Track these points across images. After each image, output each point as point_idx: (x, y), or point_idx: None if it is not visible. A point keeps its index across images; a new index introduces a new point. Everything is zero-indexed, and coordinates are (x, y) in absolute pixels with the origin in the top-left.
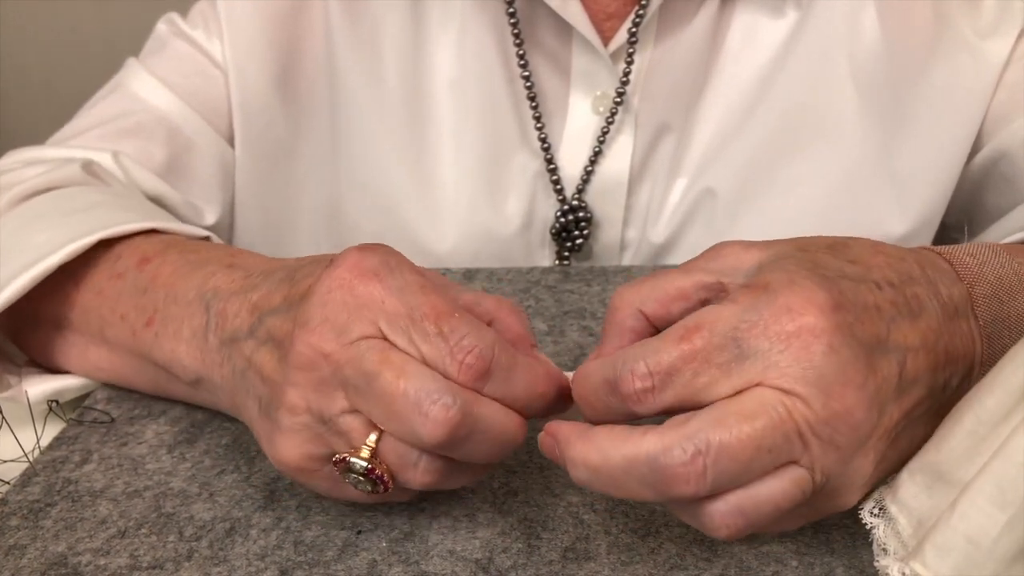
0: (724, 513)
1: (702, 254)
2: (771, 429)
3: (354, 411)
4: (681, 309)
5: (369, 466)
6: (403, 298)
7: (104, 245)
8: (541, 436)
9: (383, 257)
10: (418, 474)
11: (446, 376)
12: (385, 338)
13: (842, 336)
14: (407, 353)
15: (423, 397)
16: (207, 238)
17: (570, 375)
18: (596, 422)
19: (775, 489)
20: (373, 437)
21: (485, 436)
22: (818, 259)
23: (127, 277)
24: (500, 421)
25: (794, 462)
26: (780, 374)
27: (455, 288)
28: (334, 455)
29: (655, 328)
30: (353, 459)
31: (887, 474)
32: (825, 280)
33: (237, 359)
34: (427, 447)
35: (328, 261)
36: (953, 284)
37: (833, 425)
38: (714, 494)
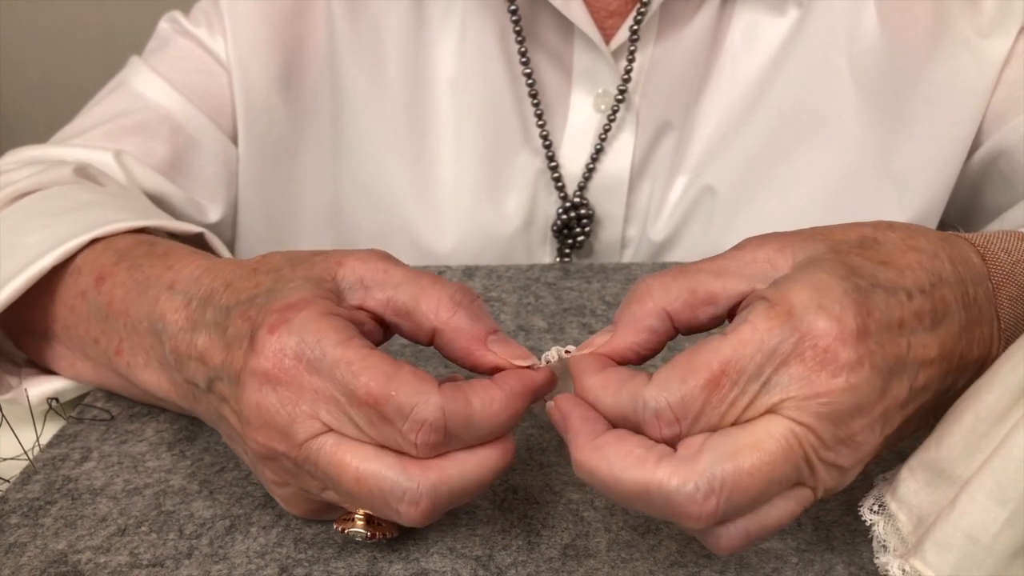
0: (731, 537)
1: (732, 251)
2: (782, 461)
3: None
4: (709, 315)
5: (368, 533)
6: (335, 382)
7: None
8: (550, 406)
9: (300, 335)
10: (419, 526)
11: (405, 453)
12: (332, 429)
13: (861, 371)
14: (359, 440)
15: (388, 495)
16: (200, 235)
17: (552, 355)
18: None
19: (781, 510)
20: None
21: (468, 489)
22: (851, 263)
23: (89, 297)
24: (477, 470)
25: (800, 484)
26: (797, 407)
27: (390, 286)
28: (334, 507)
29: (675, 330)
30: (352, 530)
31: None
32: (856, 296)
33: (207, 405)
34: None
35: (248, 332)
36: (980, 284)
37: (836, 451)
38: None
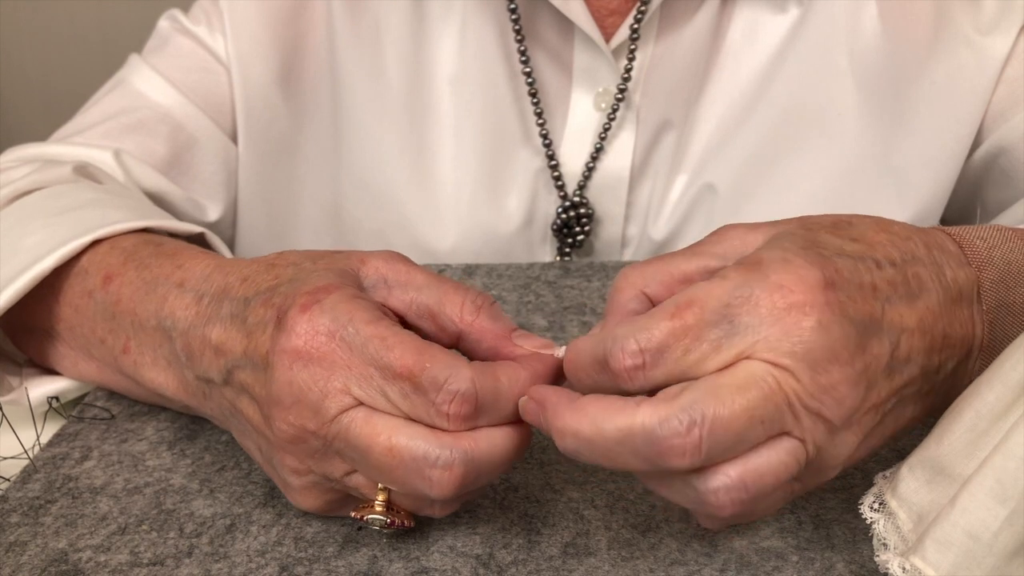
0: (728, 488)
1: (707, 237)
2: (763, 400)
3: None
4: None
5: (388, 520)
6: (368, 357)
7: (73, 256)
8: (524, 401)
9: (332, 313)
10: (437, 510)
11: (435, 427)
12: (363, 403)
13: (832, 313)
14: (390, 414)
15: (422, 463)
16: (201, 235)
17: (563, 349)
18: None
19: (773, 460)
20: (382, 486)
21: (495, 464)
22: (818, 238)
23: (96, 297)
24: (504, 446)
25: (787, 433)
26: (769, 348)
27: (413, 288)
28: (352, 499)
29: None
30: (371, 516)
31: (872, 451)
32: (820, 258)
33: (220, 400)
34: (439, 501)
35: (275, 317)
36: (960, 267)
37: (819, 399)
38: (710, 466)
